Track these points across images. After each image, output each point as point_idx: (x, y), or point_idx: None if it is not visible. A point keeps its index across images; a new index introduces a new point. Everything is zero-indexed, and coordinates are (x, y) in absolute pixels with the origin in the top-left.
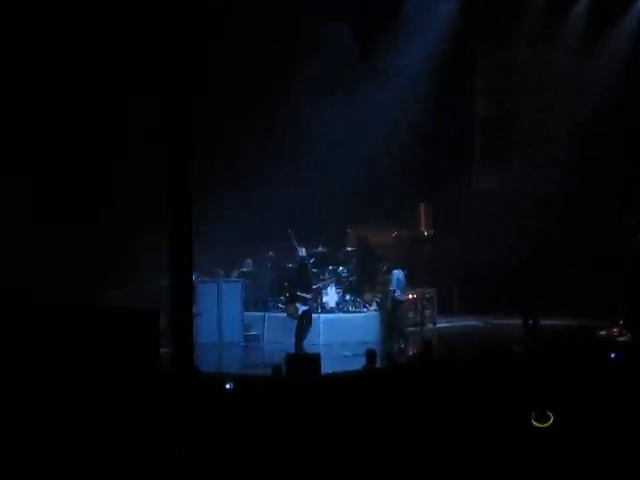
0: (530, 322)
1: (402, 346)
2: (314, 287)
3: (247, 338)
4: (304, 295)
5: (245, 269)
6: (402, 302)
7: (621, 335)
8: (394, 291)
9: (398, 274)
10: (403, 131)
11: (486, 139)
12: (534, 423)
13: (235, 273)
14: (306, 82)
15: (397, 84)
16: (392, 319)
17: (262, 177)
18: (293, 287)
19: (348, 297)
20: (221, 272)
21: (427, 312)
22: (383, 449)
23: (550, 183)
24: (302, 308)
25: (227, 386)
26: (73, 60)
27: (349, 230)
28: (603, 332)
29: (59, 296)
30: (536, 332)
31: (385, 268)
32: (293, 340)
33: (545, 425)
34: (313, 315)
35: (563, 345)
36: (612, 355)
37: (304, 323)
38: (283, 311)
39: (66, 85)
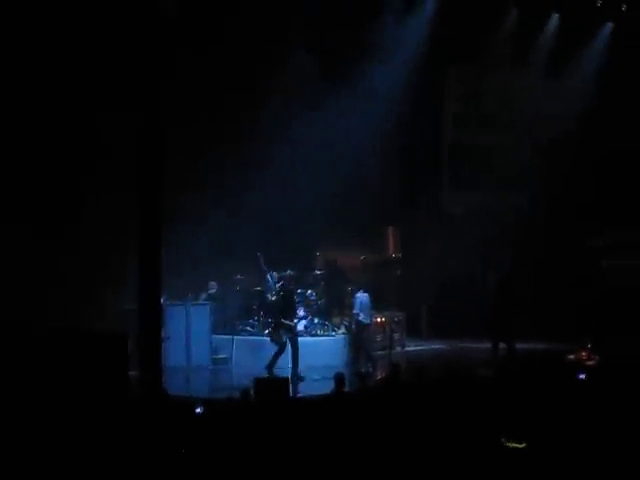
0: (503, 345)
1: (370, 370)
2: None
3: (215, 361)
4: (288, 322)
5: (211, 291)
6: (367, 325)
7: (589, 359)
8: (357, 314)
9: (361, 297)
10: (371, 154)
11: (454, 162)
12: (507, 444)
13: (203, 296)
14: (272, 106)
15: (365, 107)
16: (358, 342)
17: (230, 201)
18: (279, 313)
19: (316, 320)
20: (189, 295)
21: (396, 335)
22: (352, 473)
23: (518, 206)
24: (286, 335)
25: (197, 410)
26: (44, 71)
27: (318, 253)
28: (572, 356)
29: (26, 318)
30: (511, 355)
31: (351, 290)
32: (265, 363)
33: (519, 446)
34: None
35: (531, 368)
36: (580, 376)
37: (293, 349)
38: (252, 334)
39: (31, 99)
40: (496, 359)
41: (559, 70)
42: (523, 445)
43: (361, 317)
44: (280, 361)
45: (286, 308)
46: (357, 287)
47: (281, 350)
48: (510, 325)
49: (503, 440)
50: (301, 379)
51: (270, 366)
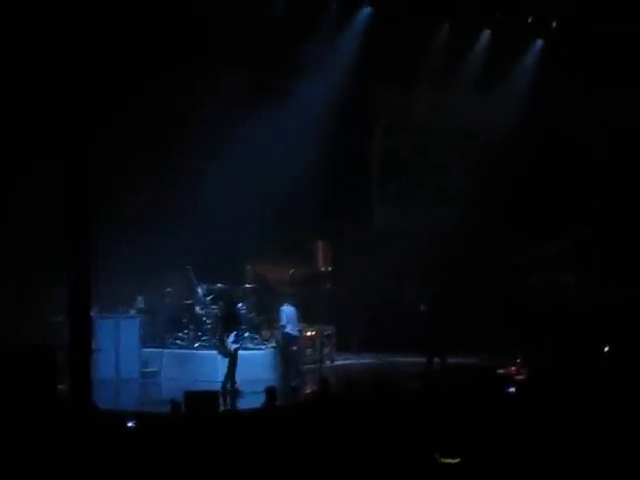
0: (435, 359)
1: (300, 383)
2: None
3: (145, 374)
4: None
5: (140, 305)
6: (295, 337)
7: (519, 374)
8: (284, 326)
9: (287, 309)
10: (302, 168)
11: (385, 176)
12: (441, 459)
13: (133, 310)
14: (203, 119)
15: (297, 122)
16: (287, 355)
17: (160, 216)
18: (224, 328)
19: (247, 334)
20: (119, 308)
21: (325, 349)
22: None
23: (449, 221)
24: (234, 346)
25: (129, 424)
26: None
27: (248, 267)
28: (501, 370)
29: None
30: (443, 369)
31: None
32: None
33: (452, 461)
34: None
35: (461, 382)
36: (510, 390)
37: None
38: (181, 347)
39: None
40: (428, 373)
41: (490, 85)
42: (457, 460)
43: (288, 329)
44: (213, 374)
45: (232, 322)
46: (283, 300)
47: (233, 361)
48: (444, 339)
49: (437, 456)
50: (238, 393)
51: (228, 382)
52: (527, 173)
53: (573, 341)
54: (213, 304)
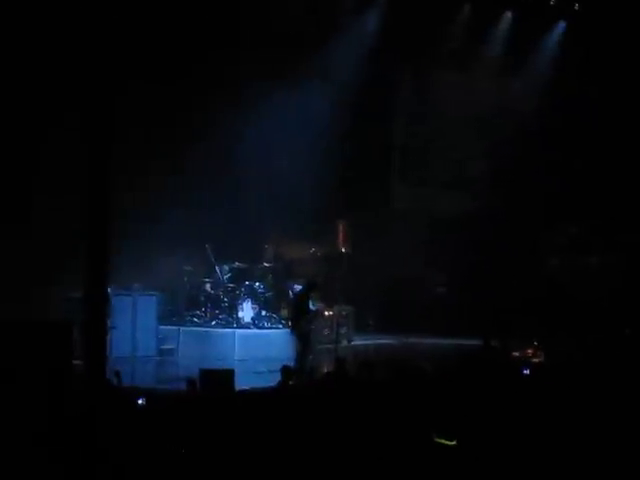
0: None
1: (312, 362)
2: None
3: (162, 352)
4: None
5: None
6: (314, 312)
7: (535, 356)
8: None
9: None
10: (323, 149)
11: (403, 158)
12: (439, 440)
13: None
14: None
15: (318, 105)
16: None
17: (179, 193)
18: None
19: (264, 313)
20: (136, 285)
21: (342, 329)
22: (296, 466)
23: (466, 203)
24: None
25: (139, 401)
26: None
27: (266, 246)
28: (517, 353)
29: None
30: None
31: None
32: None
33: (451, 443)
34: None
35: (476, 363)
36: (524, 371)
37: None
38: (199, 325)
39: None
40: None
41: (511, 68)
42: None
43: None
44: (230, 352)
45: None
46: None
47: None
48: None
49: (438, 437)
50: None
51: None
52: (548, 155)
53: (593, 324)
54: (230, 283)
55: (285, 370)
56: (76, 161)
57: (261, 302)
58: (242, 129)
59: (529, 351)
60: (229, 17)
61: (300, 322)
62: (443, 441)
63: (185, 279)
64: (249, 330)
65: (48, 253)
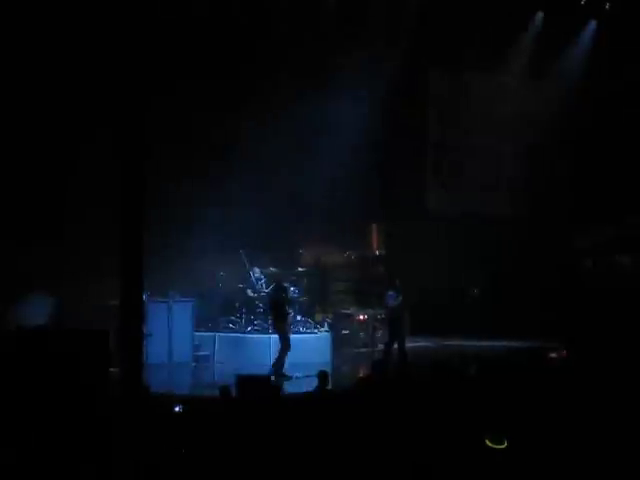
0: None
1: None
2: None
3: (197, 358)
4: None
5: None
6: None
7: (569, 357)
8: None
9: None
10: (356, 152)
11: (438, 161)
12: (488, 444)
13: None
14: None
15: (351, 108)
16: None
17: (212, 196)
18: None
19: (299, 318)
20: (171, 292)
21: (378, 333)
22: (334, 470)
23: (501, 205)
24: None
25: (176, 409)
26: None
27: (301, 250)
28: (554, 354)
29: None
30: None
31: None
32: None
33: (500, 447)
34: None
35: (515, 366)
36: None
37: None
38: (234, 331)
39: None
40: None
41: (542, 68)
42: (505, 445)
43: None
44: (265, 358)
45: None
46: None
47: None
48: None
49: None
50: (287, 377)
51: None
52: (581, 156)
53: (629, 324)
54: (265, 288)
55: (322, 375)
56: (109, 171)
57: (296, 307)
58: (275, 133)
59: (565, 352)
60: (262, 26)
61: (279, 323)
62: (494, 445)
63: (220, 285)
64: None
65: (84, 262)
